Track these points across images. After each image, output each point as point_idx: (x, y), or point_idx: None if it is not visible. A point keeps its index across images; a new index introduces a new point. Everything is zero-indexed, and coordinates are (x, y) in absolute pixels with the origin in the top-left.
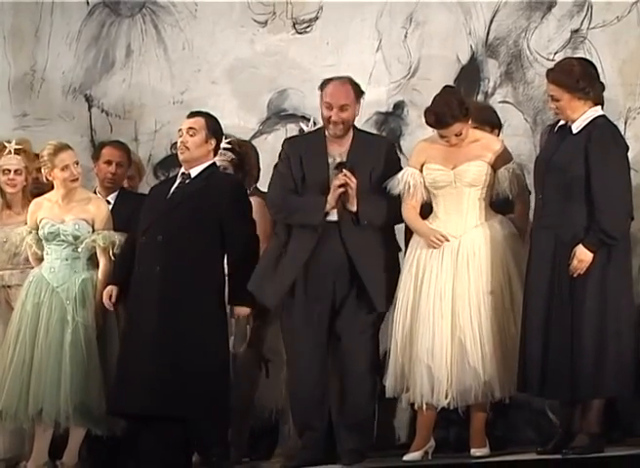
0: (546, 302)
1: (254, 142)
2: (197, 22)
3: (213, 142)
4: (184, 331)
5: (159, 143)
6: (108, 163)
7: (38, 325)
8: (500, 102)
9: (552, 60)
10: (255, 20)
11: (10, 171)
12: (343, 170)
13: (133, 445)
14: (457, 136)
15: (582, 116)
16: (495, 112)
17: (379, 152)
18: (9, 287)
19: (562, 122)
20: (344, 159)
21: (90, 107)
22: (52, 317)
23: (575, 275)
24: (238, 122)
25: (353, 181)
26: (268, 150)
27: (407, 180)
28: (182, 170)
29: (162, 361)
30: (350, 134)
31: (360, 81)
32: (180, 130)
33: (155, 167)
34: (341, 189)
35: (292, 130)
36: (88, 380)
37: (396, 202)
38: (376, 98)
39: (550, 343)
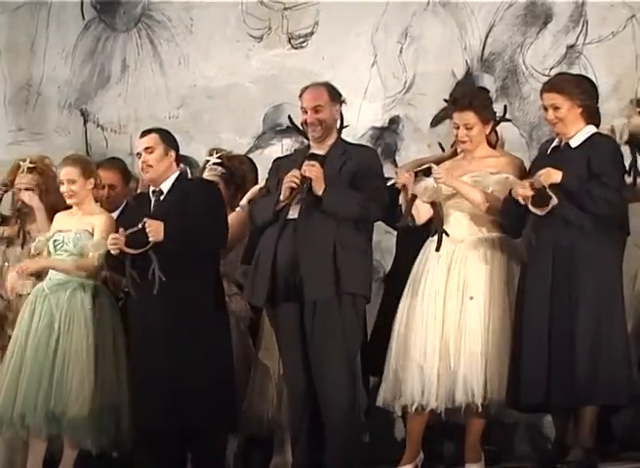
0: (548, 310)
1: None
2: (193, 37)
3: (172, 154)
4: (190, 344)
5: None
6: (101, 187)
7: (30, 331)
8: None
9: (548, 76)
10: (250, 35)
11: (20, 190)
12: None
13: (128, 462)
14: (467, 129)
15: (581, 131)
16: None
17: (354, 153)
18: (20, 295)
19: (555, 143)
20: None
21: (85, 122)
22: (41, 322)
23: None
24: (234, 137)
25: (316, 169)
26: (264, 165)
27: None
28: (152, 188)
29: (174, 376)
30: (332, 140)
31: (355, 96)
32: (137, 153)
33: None
34: (292, 183)
35: (287, 144)
36: (64, 390)
37: (364, 198)
38: (371, 114)
39: (552, 350)
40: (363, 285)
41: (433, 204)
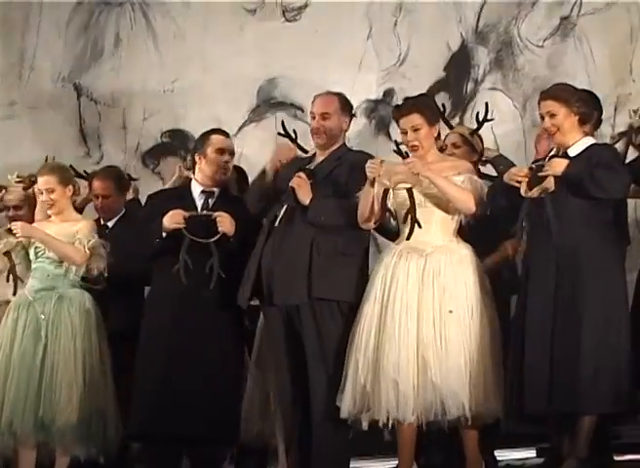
0: (551, 317)
1: (244, 131)
2: (188, 11)
3: None
4: (212, 350)
5: (148, 132)
6: (96, 197)
7: (15, 339)
8: (489, 89)
9: (542, 47)
10: (245, 9)
11: (9, 208)
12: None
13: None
14: (415, 131)
15: (579, 142)
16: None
17: (349, 158)
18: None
19: (553, 152)
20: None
21: (79, 96)
22: (26, 330)
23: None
24: (228, 110)
25: (300, 180)
26: (259, 138)
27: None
28: (203, 187)
29: (188, 381)
30: (335, 147)
31: (350, 69)
32: (222, 149)
33: (143, 155)
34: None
35: (281, 117)
36: (53, 397)
37: (350, 206)
38: (365, 86)
39: (556, 357)
40: (342, 291)
41: (409, 191)
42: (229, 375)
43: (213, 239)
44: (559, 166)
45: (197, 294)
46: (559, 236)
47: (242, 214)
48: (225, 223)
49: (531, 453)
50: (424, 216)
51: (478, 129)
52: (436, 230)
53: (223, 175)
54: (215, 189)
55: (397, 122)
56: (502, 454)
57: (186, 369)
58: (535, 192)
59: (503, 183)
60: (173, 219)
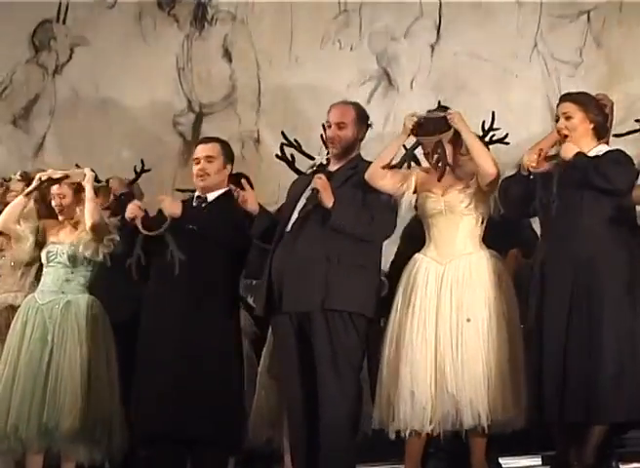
0: (566, 325)
1: None
2: None
3: (229, 168)
4: (208, 353)
5: None
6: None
7: (22, 342)
8: None
9: None
10: None
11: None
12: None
13: None
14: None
15: (594, 149)
16: None
17: (364, 167)
18: (12, 307)
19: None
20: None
21: None
22: (34, 334)
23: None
24: None
25: (322, 182)
26: None
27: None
28: (198, 193)
29: (186, 382)
30: (351, 157)
31: None
32: (196, 158)
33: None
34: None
35: None
36: (57, 403)
37: (371, 217)
38: None
39: (568, 366)
40: (357, 302)
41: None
42: (223, 376)
43: (160, 230)
44: (569, 151)
45: (190, 295)
46: (574, 238)
47: (231, 215)
48: (166, 205)
49: (536, 461)
50: (450, 227)
51: (483, 137)
52: (461, 240)
53: (202, 182)
54: (207, 195)
55: (419, 138)
56: (508, 462)
57: (181, 369)
58: (545, 166)
59: (519, 174)
60: (131, 212)
